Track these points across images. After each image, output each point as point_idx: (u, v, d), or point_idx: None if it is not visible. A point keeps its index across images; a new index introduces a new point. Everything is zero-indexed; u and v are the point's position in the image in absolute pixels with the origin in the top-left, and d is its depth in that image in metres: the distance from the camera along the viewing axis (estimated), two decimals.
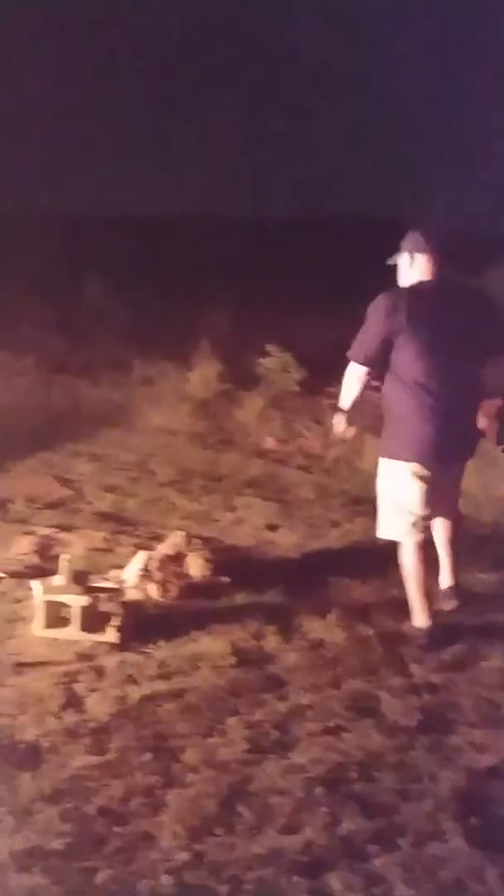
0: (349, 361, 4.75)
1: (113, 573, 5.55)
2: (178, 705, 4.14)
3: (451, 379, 4.63)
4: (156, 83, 14.55)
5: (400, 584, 4.96)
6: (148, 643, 4.73)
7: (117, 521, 6.77)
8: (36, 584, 4.99)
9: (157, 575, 5.33)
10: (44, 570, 5.77)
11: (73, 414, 9.52)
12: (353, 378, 4.73)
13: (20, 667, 4.52)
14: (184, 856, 3.20)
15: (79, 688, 4.30)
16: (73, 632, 4.81)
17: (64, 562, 5.02)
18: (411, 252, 4.70)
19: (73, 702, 4.18)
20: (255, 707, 4.15)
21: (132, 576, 5.38)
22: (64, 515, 6.93)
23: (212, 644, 4.70)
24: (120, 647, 4.71)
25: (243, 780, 3.63)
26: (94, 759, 3.75)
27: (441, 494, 4.85)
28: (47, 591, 4.93)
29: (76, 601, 4.85)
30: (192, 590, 5.31)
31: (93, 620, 4.85)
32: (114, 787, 3.57)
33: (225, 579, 5.41)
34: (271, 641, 4.76)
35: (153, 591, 5.24)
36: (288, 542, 6.25)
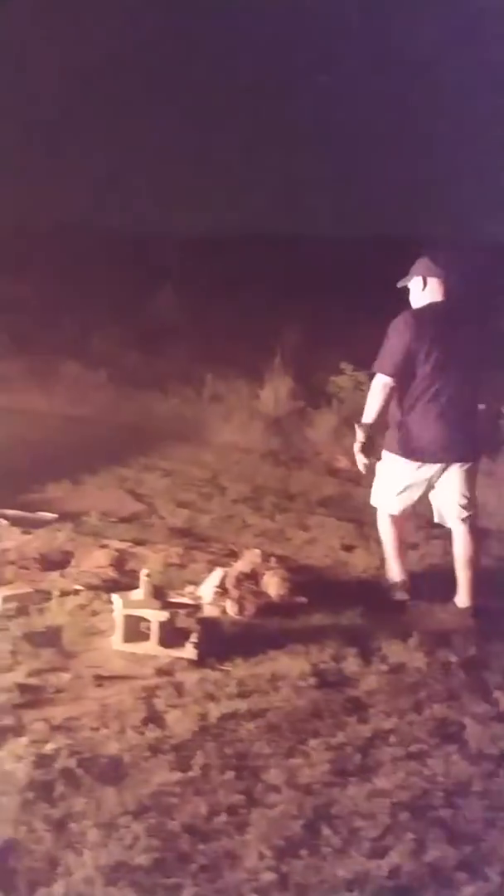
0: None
1: (188, 589, 5.58)
2: (259, 725, 4.14)
3: (460, 388, 5.28)
4: (230, 106, 14.66)
5: None
6: (225, 661, 4.74)
7: (191, 537, 6.81)
8: (116, 598, 5.02)
9: (234, 592, 5.34)
10: (119, 584, 5.83)
11: (144, 429, 9.59)
12: (380, 389, 5.29)
13: (100, 680, 4.56)
14: (270, 876, 3.19)
15: (159, 703, 4.32)
16: (151, 647, 4.84)
17: (143, 576, 5.05)
18: (423, 276, 5.28)
19: (154, 717, 4.20)
20: (337, 729, 4.13)
21: (208, 593, 5.40)
22: (138, 530, 6.98)
23: (291, 664, 4.68)
24: (198, 663, 4.72)
25: (327, 802, 3.61)
26: (176, 776, 3.75)
27: (445, 494, 5.47)
28: (127, 605, 4.96)
29: (155, 616, 4.87)
30: (269, 608, 5.32)
31: (171, 636, 4.87)
32: (197, 805, 3.57)
33: (301, 599, 5.40)
34: (351, 664, 4.74)
35: (230, 608, 5.25)
36: (364, 563, 6.23)
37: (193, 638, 4.84)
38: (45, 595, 5.62)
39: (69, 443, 9.04)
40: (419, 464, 5.41)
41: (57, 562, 6.35)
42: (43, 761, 3.79)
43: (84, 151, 14.83)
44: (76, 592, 5.66)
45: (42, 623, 5.26)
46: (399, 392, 5.32)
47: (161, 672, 4.65)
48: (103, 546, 6.60)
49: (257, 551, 5.89)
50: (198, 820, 3.49)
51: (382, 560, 6.25)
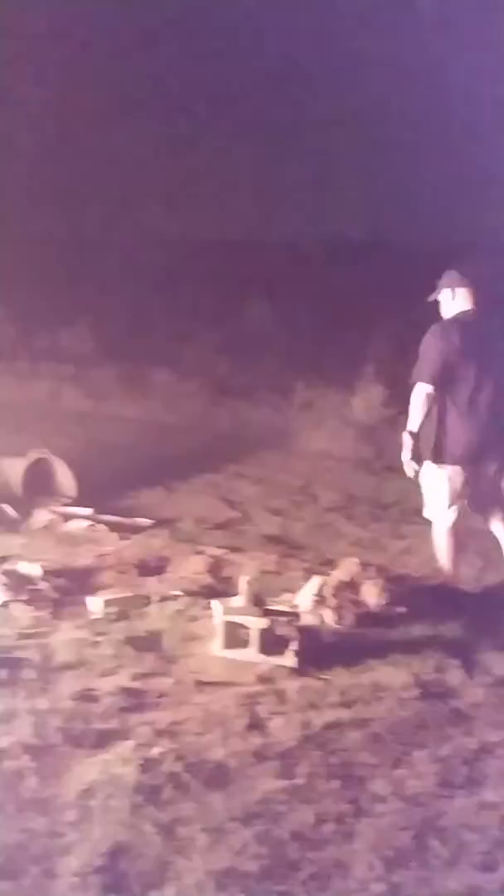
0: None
1: (284, 597, 5.60)
2: (363, 734, 4.14)
3: (494, 390, 5.51)
4: (310, 112, 14.67)
5: None
6: (325, 670, 4.75)
7: (284, 545, 6.84)
8: (216, 605, 5.07)
9: (332, 601, 5.34)
10: (215, 590, 5.88)
11: (236, 436, 9.67)
12: (422, 398, 5.48)
13: (202, 685, 4.61)
14: (380, 887, 3.19)
15: (261, 710, 4.35)
16: (251, 653, 4.87)
17: (243, 583, 5.09)
18: (452, 288, 5.54)
19: (257, 724, 4.22)
20: (442, 741, 4.11)
21: (306, 601, 5.41)
22: (232, 537, 7.04)
23: (393, 675, 4.67)
24: (298, 671, 4.74)
25: (435, 814, 3.59)
26: (282, 783, 3.77)
27: (485, 493, 5.69)
28: (227, 611, 5.00)
29: (255, 623, 4.90)
30: (368, 618, 5.31)
31: (270, 643, 4.90)
32: (304, 813, 3.59)
33: (401, 609, 5.38)
34: (454, 675, 4.72)
35: (329, 617, 5.26)
36: (463, 573, 6.17)
37: (293, 646, 4.85)
38: (145, 600, 5.70)
39: (162, 450, 9.15)
40: (459, 467, 5.61)
41: (154, 567, 6.44)
42: (150, 765, 3.85)
43: (172, 161, 14.96)
44: (175, 598, 5.73)
45: (143, 628, 5.34)
46: (439, 401, 5.53)
47: (262, 679, 4.68)
48: (199, 552, 6.67)
49: (355, 560, 5.87)
50: (305, 828, 3.50)
51: (482, 571, 6.21)
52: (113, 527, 7.36)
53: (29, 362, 12.24)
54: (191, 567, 6.36)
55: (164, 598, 5.70)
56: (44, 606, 5.61)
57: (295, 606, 5.39)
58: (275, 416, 10.04)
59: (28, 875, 3.22)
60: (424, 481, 5.75)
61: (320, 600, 5.35)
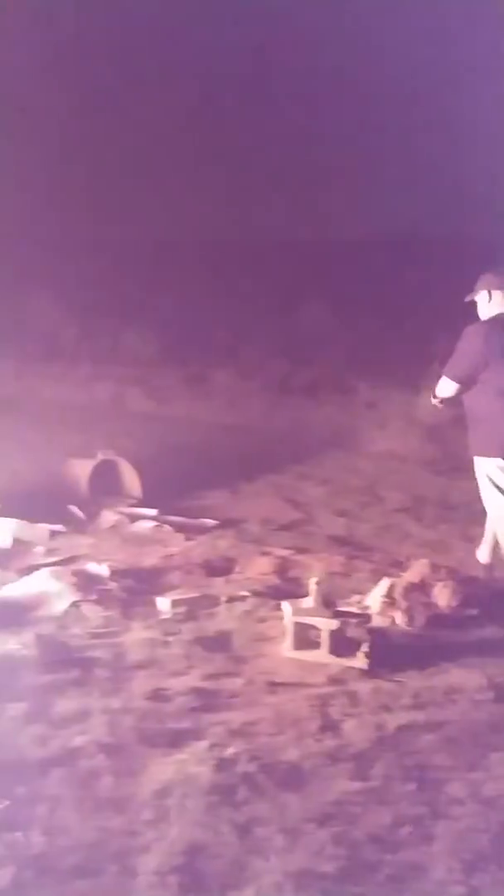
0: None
1: (354, 598, 5.58)
2: (438, 737, 4.11)
3: None
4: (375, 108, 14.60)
5: None
6: (397, 672, 4.72)
7: (351, 546, 6.82)
8: (286, 606, 5.07)
9: (403, 603, 5.32)
10: (283, 591, 5.88)
11: (298, 437, 9.66)
12: (446, 390, 5.64)
13: (273, 686, 4.61)
14: (459, 890, 3.17)
15: (334, 712, 4.34)
16: (322, 655, 4.86)
17: (313, 585, 5.08)
18: (489, 290, 5.56)
19: (330, 725, 4.22)
20: None
21: (376, 602, 5.39)
22: (298, 538, 7.04)
23: (466, 677, 4.64)
24: (369, 673, 4.72)
25: None
26: (357, 785, 3.76)
27: None
28: (297, 612, 5.00)
29: (326, 624, 4.90)
30: (439, 620, 5.27)
31: (341, 645, 4.89)
32: (380, 814, 3.57)
33: (472, 611, 5.34)
34: None
35: (399, 619, 5.23)
36: None
37: (364, 647, 4.83)
38: (213, 600, 5.72)
39: (224, 450, 9.18)
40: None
41: (221, 568, 6.46)
42: (224, 765, 3.86)
43: (231, 166, 15.01)
44: (243, 598, 5.74)
45: (212, 628, 5.36)
46: (479, 398, 5.56)
47: (333, 681, 4.67)
48: (265, 553, 6.68)
49: (425, 561, 5.84)
50: (382, 830, 3.49)
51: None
52: (178, 527, 7.40)
53: (92, 364, 12.36)
54: (257, 568, 6.37)
55: (231, 599, 5.72)
56: (113, 606, 5.66)
57: (365, 608, 5.37)
58: (338, 416, 10.01)
59: (107, 873, 3.25)
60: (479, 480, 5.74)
61: (390, 602, 5.33)
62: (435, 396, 5.78)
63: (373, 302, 11.89)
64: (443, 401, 5.76)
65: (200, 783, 3.73)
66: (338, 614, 4.98)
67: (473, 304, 5.67)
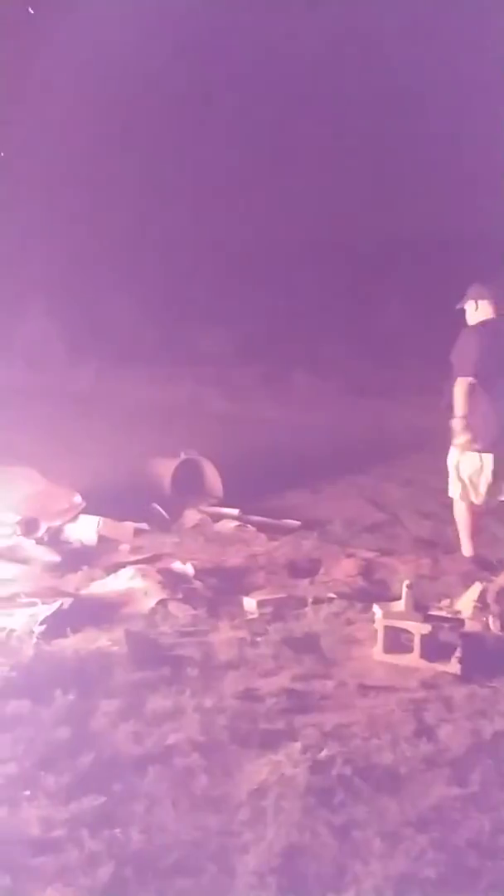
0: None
1: (444, 602, 5.51)
2: None
3: None
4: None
5: None
6: (492, 677, 4.65)
7: (438, 549, 6.73)
8: (377, 609, 5.02)
9: (495, 608, 5.23)
10: (369, 594, 5.84)
11: (380, 437, 9.59)
12: (465, 387, 6.28)
13: (365, 689, 4.57)
14: None
15: (428, 717, 4.29)
16: (414, 659, 4.82)
17: (405, 588, 5.03)
18: (476, 300, 6.39)
19: (425, 730, 4.17)
20: None
21: (468, 607, 5.31)
22: (383, 540, 6.99)
23: None
24: (463, 678, 4.66)
25: None
26: (455, 791, 3.72)
27: None
28: (387, 615, 4.96)
29: (418, 628, 4.85)
30: None
31: (433, 649, 4.83)
32: (480, 821, 3.52)
33: None
34: None
35: (493, 624, 5.15)
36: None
37: (457, 652, 4.77)
38: (299, 601, 5.70)
39: (304, 451, 9.14)
40: (490, 454, 6.35)
41: (305, 569, 6.44)
42: (319, 767, 3.84)
43: (304, 171, 14.99)
44: (329, 600, 5.71)
45: (300, 629, 5.34)
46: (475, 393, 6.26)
47: (426, 685, 4.62)
48: (350, 555, 6.63)
49: None
50: (482, 836, 3.44)
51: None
52: (261, 527, 7.39)
53: (170, 365, 12.43)
54: (343, 570, 6.33)
55: (318, 601, 5.69)
56: (199, 605, 5.68)
57: (456, 612, 5.29)
58: (420, 416, 9.88)
59: (206, 873, 3.25)
60: (450, 462, 6.55)
61: (482, 607, 5.25)
62: (461, 418, 6.37)
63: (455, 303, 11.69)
64: (465, 415, 6.33)
65: (296, 785, 3.71)
66: (429, 618, 4.92)
67: None
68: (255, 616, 5.54)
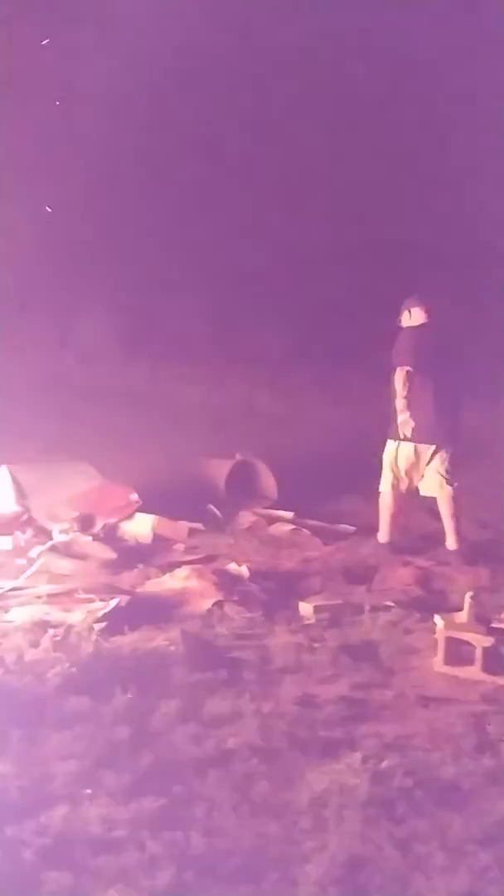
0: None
1: None
2: None
3: (442, 385, 6.92)
4: None
5: None
6: None
7: (497, 560, 6.64)
8: (439, 619, 4.96)
9: None
10: (426, 603, 5.79)
11: None
12: (403, 375, 6.88)
13: (426, 701, 4.52)
14: None
15: (491, 731, 4.22)
16: (475, 671, 4.76)
17: (468, 599, 4.97)
18: (409, 309, 7.18)
19: (488, 745, 4.11)
20: None
21: None
22: (438, 549, 6.89)
23: None
24: None
25: None
26: None
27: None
28: (449, 626, 4.90)
29: (480, 640, 4.79)
30: None
31: (495, 662, 4.77)
32: None
33: None
34: None
35: None
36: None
37: None
38: (356, 608, 5.66)
39: (359, 455, 9.03)
40: (413, 443, 6.95)
41: (361, 575, 6.39)
42: (380, 778, 3.79)
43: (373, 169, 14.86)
44: (387, 608, 5.66)
45: (357, 637, 5.30)
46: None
47: (487, 699, 4.56)
48: (407, 563, 6.58)
49: None
50: None
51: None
52: (316, 531, 7.36)
53: (225, 364, 12.41)
54: (400, 578, 6.28)
55: (375, 608, 5.65)
56: (255, 608, 5.66)
57: None
58: (482, 424, 9.76)
59: (267, 880, 3.21)
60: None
61: None
62: (397, 398, 6.93)
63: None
64: (406, 396, 6.87)
65: (357, 795, 3.66)
66: (492, 631, 4.85)
67: None
68: (312, 621, 5.51)
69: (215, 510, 7.59)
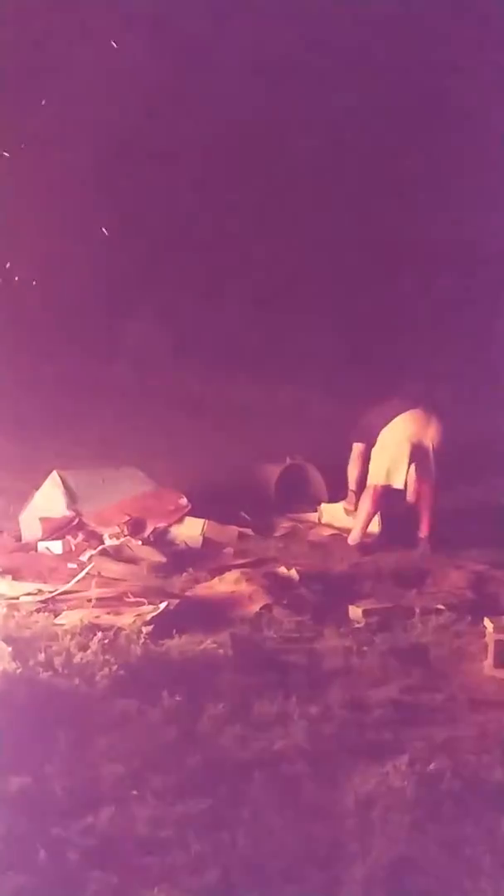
0: None
1: None
2: None
3: None
4: None
5: None
6: None
7: None
8: (489, 622, 4.92)
9: None
10: (479, 607, 5.73)
11: (490, 448, 9.37)
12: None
13: (475, 704, 4.48)
14: None
15: None
16: None
17: None
18: None
19: None
20: None
21: None
22: (493, 552, 6.81)
23: None
24: None
25: None
26: None
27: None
28: (499, 629, 4.85)
29: None
30: None
31: None
32: None
33: None
34: None
35: None
36: None
37: None
38: (407, 612, 5.62)
39: None
40: None
41: (412, 579, 6.35)
42: (427, 780, 3.75)
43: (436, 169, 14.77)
44: (438, 612, 5.62)
45: (407, 640, 5.27)
46: None
47: None
48: (459, 567, 6.52)
49: None
50: None
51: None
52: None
53: (276, 368, 12.39)
54: (452, 581, 6.23)
55: (426, 612, 5.61)
56: (304, 611, 5.65)
57: None
58: None
59: (312, 881, 3.20)
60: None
61: None
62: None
63: None
64: None
65: (404, 797, 3.64)
66: None
67: None
68: (361, 625, 5.49)
69: (265, 514, 7.59)
